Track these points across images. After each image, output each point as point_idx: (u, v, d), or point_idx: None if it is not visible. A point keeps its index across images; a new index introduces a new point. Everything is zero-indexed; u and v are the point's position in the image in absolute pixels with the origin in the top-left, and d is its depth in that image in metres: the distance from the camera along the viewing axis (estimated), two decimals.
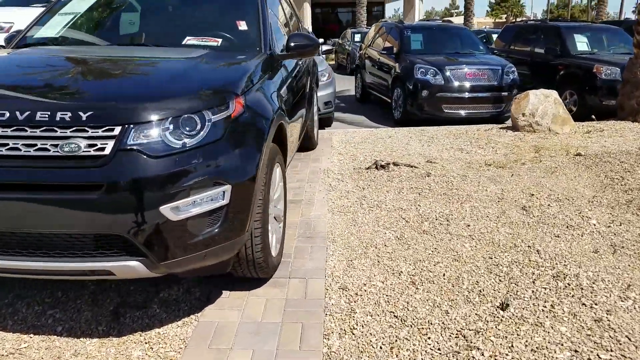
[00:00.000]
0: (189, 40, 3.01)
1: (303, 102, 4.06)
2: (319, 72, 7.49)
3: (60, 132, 1.99)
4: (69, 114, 2.00)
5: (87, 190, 1.97)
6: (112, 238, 2.04)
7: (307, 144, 5.32)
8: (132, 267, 2.08)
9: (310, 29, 29.32)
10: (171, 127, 2.09)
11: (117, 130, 2.01)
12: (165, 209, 2.03)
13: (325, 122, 8.07)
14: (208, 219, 2.17)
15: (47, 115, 2.00)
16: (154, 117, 2.07)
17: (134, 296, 2.69)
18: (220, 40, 3.06)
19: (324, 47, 9.08)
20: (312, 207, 3.81)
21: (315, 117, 5.67)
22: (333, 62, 20.76)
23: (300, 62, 4.03)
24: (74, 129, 1.99)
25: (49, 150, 1.98)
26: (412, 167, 4.67)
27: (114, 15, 3.46)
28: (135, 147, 2.01)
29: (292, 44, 3.25)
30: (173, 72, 2.53)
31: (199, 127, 2.16)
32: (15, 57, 2.84)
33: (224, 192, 2.18)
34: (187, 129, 2.13)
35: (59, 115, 2.00)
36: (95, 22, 3.39)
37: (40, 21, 3.28)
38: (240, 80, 2.48)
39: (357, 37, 16.27)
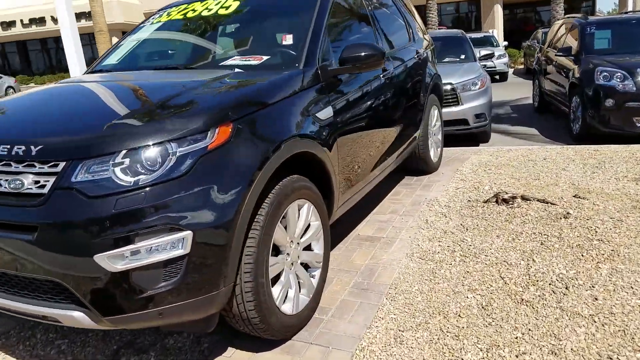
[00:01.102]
0: (232, 60, 2.66)
1: (387, 121, 3.36)
2: (468, 80, 6.59)
3: (14, 167, 1.83)
4: (23, 148, 1.84)
5: (25, 230, 1.76)
6: (55, 284, 1.79)
7: (419, 166, 4.54)
8: (75, 318, 1.80)
9: (500, 32, 26.99)
10: (125, 161, 1.76)
11: (61, 166, 1.76)
12: (101, 258, 1.69)
13: (479, 137, 7.06)
14: (162, 270, 1.77)
15: (6, 149, 1.86)
16: (101, 151, 1.76)
17: (144, 337, 2.44)
18: (264, 58, 2.64)
19: (483, 52, 8.02)
20: (388, 248, 3.11)
21: (438, 136, 4.84)
22: (522, 66, 18.66)
23: (386, 73, 3.35)
24: (25, 164, 1.82)
25: (1, 186, 1.84)
26: (547, 203, 3.57)
27: (165, 39, 3.31)
28: (75, 186, 1.72)
29: (345, 56, 2.66)
30: (152, 98, 2.22)
31: (159, 161, 1.79)
32: (52, 87, 2.81)
33: (182, 239, 1.75)
34: (146, 163, 1.77)
35: (15, 149, 1.85)
36: (148, 47, 3.28)
37: (114, 48, 3.32)
38: (235, 104, 2.04)
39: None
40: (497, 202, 3.63)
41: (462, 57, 7.77)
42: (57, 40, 31.46)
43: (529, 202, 3.61)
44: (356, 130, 2.83)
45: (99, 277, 1.71)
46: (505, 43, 19.14)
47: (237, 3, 3.10)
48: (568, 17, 9.17)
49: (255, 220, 1.99)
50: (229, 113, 1.96)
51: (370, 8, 3.54)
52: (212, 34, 3.16)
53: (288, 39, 2.73)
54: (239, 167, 1.90)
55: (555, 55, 8.01)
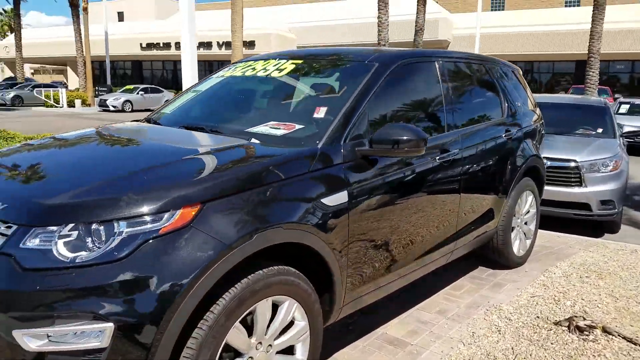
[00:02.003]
0: (261, 127, 2.52)
1: (434, 211, 2.89)
2: (599, 159, 5.66)
3: None
4: None
5: None
6: None
7: (496, 259, 3.92)
8: None
9: None
10: (72, 234, 1.71)
11: (13, 229, 1.75)
12: (19, 334, 1.63)
13: (605, 226, 6.03)
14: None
15: None
16: (51, 221, 1.73)
17: None
18: (296, 127, 2.46)
19: (628, 128, 6.91)
20: None
21: (530, 226, 4.16)
22: None
23: (446, 155, 2.93)
24: None
25: None
26: (635, 344, 2.78)
27: (216, 95, 3.24)
28: (16, 253, 1.70)
29: (376, 139, 2.35)
30: (128, 165, 2.12)
31: (103, 239, 1.70)
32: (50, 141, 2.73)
33: (102, 331, 1.62)
34: (92, 240, 1.71)
35: None
36: (197, 102, 3.24)
37: (177, 97, 3.40)
38: (210, 184, 1.88)
39: None
40: (569, 328, 2.93)
41: (600, 130, 6.77)
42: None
43: (610, 337, 2.85)
44: (382, 220, 2.47)
45: (15, 353, 1.64)
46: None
47: (293, 67, 2.98)
48: None
49: (204, 318, 1.79)
50: (199, 194, 1.82)
51: (446, 79, 3.15)
52: (258, 96, 3.08)
53: (321, 112, 2.52)
54: (191, 256, 1.72)
55: None
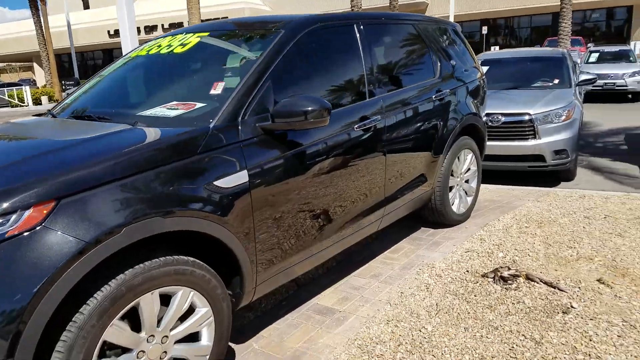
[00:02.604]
0: (156, 109, 2.48)
1: (356, 179, 2.90)
2: (552, 110, 5.72)
3: None
4: None
5: None
6: None
7: (435, 219, 4.01)
8: None
9: None
10: None
11: None
12: None
13: (561, 175, 6.14)
14: None
15: None
16: None
17: None
18: (196, 106, 2.44)
19: (583, 76, 6.94)
20: (335, 328, 2.74)
21: (471, 184, 4.22)
22: None
23: (366, 123, 2.95)
24: None
25: None
26: (554, 288, 2.89)
27: (115, 79, 3.15)
28: None
29: (277, 112, 2.35)
30: None
31: None
32: None
33: None
34: None
35: None
36: (95, 88, 3.13)
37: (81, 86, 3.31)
38: (69, 177, 1.76)
39: None
40: (494, 279, 3.03)
41: (556, 81, 6.81)
42: None
43: (532, 284, 2.96)
44: (293, 198, 2.49)
45: None
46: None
47: (197, 40, 2.93)
48: None
49: (73, 320, 1.74)
50: (53, 190, 1.71)
51: (367, 43, 3.14)
52: (160, 75, 3.00)
53: (218, 88, 2.50)
54: (42, 259, 1.63)
55: None
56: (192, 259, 2.08)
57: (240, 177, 2.22)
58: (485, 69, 7.23)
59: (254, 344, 2.64)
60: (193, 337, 2.18)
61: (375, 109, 3.05)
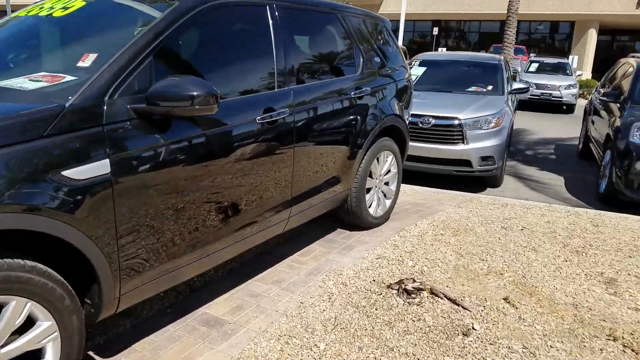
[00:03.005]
0: (20, 78, 2.11)
1: (255, 178, 2.61)
2: (481, 116, 5.69)
3: None
4: None
5: None
6: None
7: (351, 221, 3.82)
8: None
9: (588, 59, 24.31)
10: None
11: None
12: None
13: (488, 181, 6.15)
14: None
15: None
16: None
17: None
18: (63, 79, 2.08)
19: (517, 85, 7.00)
20: (219, 344, 2.45)
21: (391, 187, 4.05)
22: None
23: (269, 116, 2.68)
24: None
25: None
26: (458, 305, 2.75)
27: None
28: None
29: (152, 93, 2.04)
30: None
31: None
32: None
33: None
34: None
35: None
36: None
37: None
38: None
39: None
40: (398, 291, 2.86)
41: (490, 88, 6.81)
42: None
43: (435, 299, 2.81)
44: (169, 195, 2.17)
45: None
46: (580, 72, 17.31)
47: (82, 4, 2.54)
48: (633, 55, 7.82)
49: None
50: None
51: (282, 29, 2.85)
52: (33, 41, 2.62)
53: (88, 60, 2.14)
54: None
55: (600, 97, 6.83)
56: (31, 263, 1.75)
57: (98, 168, 1.89)
58: (422, 69, 7.17)
59: (123, 359, 2.32)
60: (36, 356, 1.85)
61: (284, 101, 2.78)
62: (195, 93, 2.03)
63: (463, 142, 5.72)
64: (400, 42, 22.90)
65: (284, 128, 2.77)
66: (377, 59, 3.79)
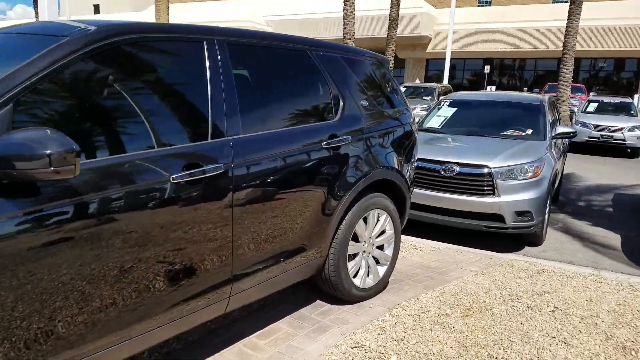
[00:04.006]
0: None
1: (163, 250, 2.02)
2: (516, 164, 4.91)
3: None
4: None
5: None
6: None
7: (331, 292, 3.13)
8: None
9: None
10: None
11: None
12: None
13: (526, 238, 5.28)
14: None
15: None
16: None
17: None
18: None
19: (562, 129, 6.13)
20: None
21: (386, 252, 3.35)
22: None
23: (198, 173, 2.11)
24: None
25: None
26: None
27: None
28: None
29: None
30: None
31: None
32: None
33: None
34: None
35: None
36: None
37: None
38: None
39: None
40: None
41: (529, 132, 6.00)
42: None
43: None
44: (37, 276, 1.64)
45: None
46: None
47: None
48: None
49: None
50: None
51: (223, 68, 2.34)
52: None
53: None
54: None
55: None
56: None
57: None
58: (451, 110, 6.48)
59: None
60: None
61: (218, 155, 2.22)
62: (47, 152, 1.52)
63: (494, 194, 4.92)
64: (445, 81, 22.23)
65: (216, 188, 2.20)
66: (365, 102, 3.17)
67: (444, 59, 23.28)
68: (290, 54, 2.77)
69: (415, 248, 4.61)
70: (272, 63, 2.66)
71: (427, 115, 6.75)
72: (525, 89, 28.13)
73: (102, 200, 1.82)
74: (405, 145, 3.47)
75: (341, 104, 2.99)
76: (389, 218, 3.29)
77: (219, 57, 2.35)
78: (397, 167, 3.30)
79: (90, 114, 1.88)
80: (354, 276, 3.14)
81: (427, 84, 16.71)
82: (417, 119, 5.50)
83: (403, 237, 4.88)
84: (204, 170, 2.14)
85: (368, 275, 3.24)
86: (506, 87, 29.52)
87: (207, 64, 2.30)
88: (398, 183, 3.32)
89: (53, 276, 1.71)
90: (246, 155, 2.34)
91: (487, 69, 25.92)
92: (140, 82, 2.08)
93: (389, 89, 3.54)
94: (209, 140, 2.22)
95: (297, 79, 2.79)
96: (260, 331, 2.85)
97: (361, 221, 3.08)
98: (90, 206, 1.79)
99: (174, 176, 2.04)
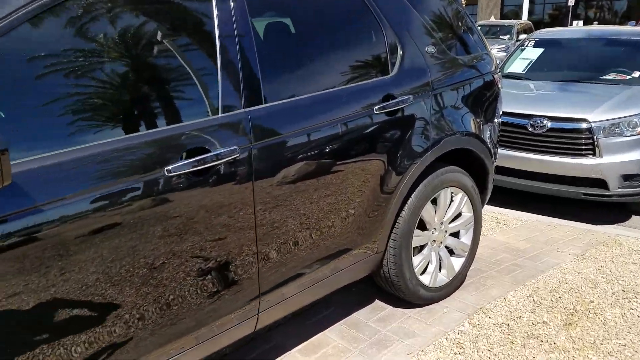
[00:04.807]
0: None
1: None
2: (622, 117, 3.96)
3: None
4: None
5: None
6: None
7: (394, 293, 2.51)
8: None
9: None
10: None
11: None
12: None
13: (633, 207, 4.37)
14: None
15: None
16: None
17: None
18: None
19: None
20: None
21: (463, 239, 2.65)
22: None
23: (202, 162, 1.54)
24: None
25: None
26: None
27: None
28: None
29: None
30: None
31: None
32: None
33: None
34: None
35: None
36: None
37: None
38: None
39: None
40: None
41: (636, 75, 4.89)
42: None
43: None
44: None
45: None
46: None
47: None
48: None
49: None
50: None
51: (233, 15, 1.71)
52: None
53: None
54: None
55: None
56: None
57: None
58: (538, 51, 5.44)
59: None
60: None
61: (231, 134, 1.62)
62: None
63: (594, 155, 4.01)
64: (524, 17, 19.97)
65: (230, 177, 1.61)
66: (432, 49, 2.40)
67: None
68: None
69: (498, 222, 3.86)
70: (301, 4, 1.97)
71: (507, 58, 5.74)
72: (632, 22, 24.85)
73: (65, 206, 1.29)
74: (486, 101, 2.68)
75: (399, 52, 2.25)
76: (465, 197, 2.57)
77: (231, 2, 1.70)
78: (475, 132, 2.55)
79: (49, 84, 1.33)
80: (422, 273, 2.49)
81: (504, 21, 15.06)
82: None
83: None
84: (215, 155, 1.56)
85: (440, 271, 2.58)
86: (593, 22, 26.41)
87: (215, 12, 1.67)
88: (477, 152, 2.57)
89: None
90: (269, 131, 1.72)
91: (571, 1, 23.16)
92: (129, 39, 1.49)
93: (462, 29, 2.73)
94: (219, 115, 1.62)
95: (336, 22, 2.07)
96: (304, 344, 2.31)
97: (429, 204, 2.39)
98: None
99: (169, 167, 1.47)
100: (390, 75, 2.19)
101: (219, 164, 1.58)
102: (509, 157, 4.30)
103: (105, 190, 1.36)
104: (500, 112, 2.86)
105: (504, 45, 12.16)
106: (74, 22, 1.39)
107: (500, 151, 4.26)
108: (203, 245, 1.59)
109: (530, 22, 15.45)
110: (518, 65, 5.46)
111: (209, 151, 1.56)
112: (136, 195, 1.42)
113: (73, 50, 1.38)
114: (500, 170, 4.33)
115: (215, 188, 1.58)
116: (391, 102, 2.12)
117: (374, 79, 2.13)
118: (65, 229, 1.30)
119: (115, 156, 1.39)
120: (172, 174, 1.48)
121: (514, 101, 4.48)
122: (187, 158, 1.51)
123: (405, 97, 2.18)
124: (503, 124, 4.26)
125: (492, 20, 18.76)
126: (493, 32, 13.70)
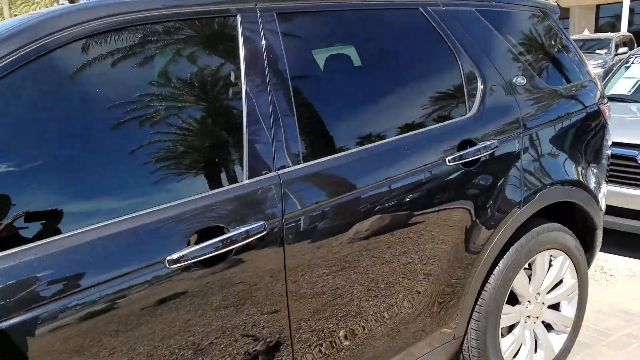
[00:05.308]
0: None
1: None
2: None
3: None
4: None
5: None
6: None
7: None
8: None
9: None
10: None
11: None
12: None
13: None
14: None
15: None
16: None
17: None
18: None
19: None
20: None
21: (565, 312, 2.09)
22: None
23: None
24: None
25: None
26: None
27: None
28: None
29: None
30: None
31: None
32: None
33: None
34: None
35: None
36: None
37: None
38: None
39: None
40: None
41: None
42: None
43: None
44: None
45: None
46: None
47: None
48: None
49: None
50: None
51: (271, 48, 1.41)
52: None
53: None
54: None
55: None
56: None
57: None
58: None
59: None
60: None
61: (256, 207, 1.30)
62: None
63: None
64: (624, 29, 18.28)
65: (259, 255, 1.29)
66: (521, 79, 1.95)
67: (620, 1, 19.27)
68: (386, 17, 1.70)
69: (604, 272, 3.22)
70: (354, 36, 1.64)
71: (610, 77, 5.03)
72: None
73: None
74: (591, 139, 2.16)
75: (479, 86, 1.83)
76: (568, 260, 2.05)
77: (263, 40, 1.41)
78: (579, 179, 2.04)
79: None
80: (514, 357, 2.00)
81: (600, 35, 13.75)
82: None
83: None
84: (234, 236, 1.24)
85: (535, 352, 2.06)
86: None
87: (242, 51, 1.38)
88: (582, 204, 2.06)
89: None
90: (306, 200, 1.37)
91: None
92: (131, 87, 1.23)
93: (558, 53, 2.25)
94: (245, 181, 1.31)
95: (401, 56, 1.71)
96: None
97: (521, 272, 1.92)
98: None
99: (169, 259, 1.17)
100: (469, 115, 1.78)
101: (246, 243, 1.26)
102: (614, 193, 3.64)
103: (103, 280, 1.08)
104: (609, 152, 2.31)
105: (601, 61, 11.06)
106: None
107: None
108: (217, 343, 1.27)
109: (630, 34, 13.99)
110: (622, 86, 4.74)
111: (223, 231, 1.24)
112: (139, 283, 1.13)
113: None
114: (605, 209, 3.68)
115: (230, 277, 1.26)
116: (470, 149, 1.70)
117: (447, 122, 1.73)
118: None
119: (135, 236, 1.12)
120: (171, 267, 1.17)
121: (620, 128, 3.82)
122: (194, 243, 1.21)
123: (489, 142, 1.75)
124: None
125: (586, 34, 17.32)
126: (588, 46, 12.51)
